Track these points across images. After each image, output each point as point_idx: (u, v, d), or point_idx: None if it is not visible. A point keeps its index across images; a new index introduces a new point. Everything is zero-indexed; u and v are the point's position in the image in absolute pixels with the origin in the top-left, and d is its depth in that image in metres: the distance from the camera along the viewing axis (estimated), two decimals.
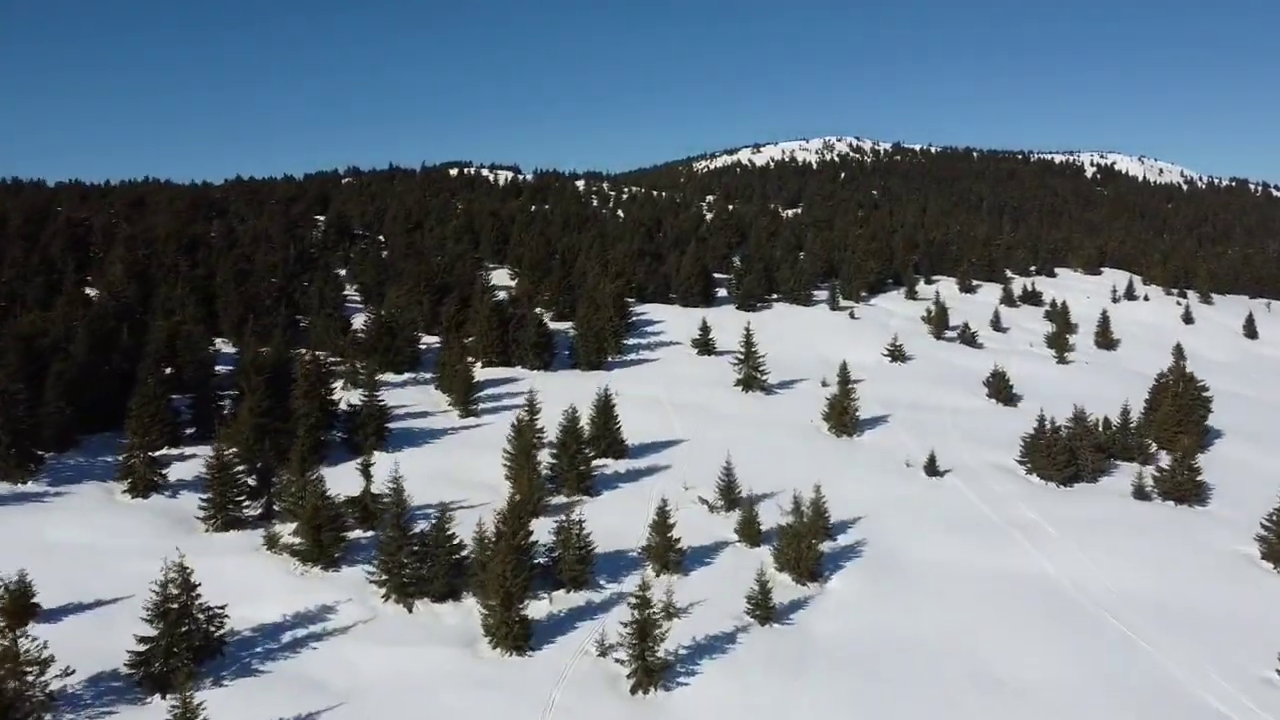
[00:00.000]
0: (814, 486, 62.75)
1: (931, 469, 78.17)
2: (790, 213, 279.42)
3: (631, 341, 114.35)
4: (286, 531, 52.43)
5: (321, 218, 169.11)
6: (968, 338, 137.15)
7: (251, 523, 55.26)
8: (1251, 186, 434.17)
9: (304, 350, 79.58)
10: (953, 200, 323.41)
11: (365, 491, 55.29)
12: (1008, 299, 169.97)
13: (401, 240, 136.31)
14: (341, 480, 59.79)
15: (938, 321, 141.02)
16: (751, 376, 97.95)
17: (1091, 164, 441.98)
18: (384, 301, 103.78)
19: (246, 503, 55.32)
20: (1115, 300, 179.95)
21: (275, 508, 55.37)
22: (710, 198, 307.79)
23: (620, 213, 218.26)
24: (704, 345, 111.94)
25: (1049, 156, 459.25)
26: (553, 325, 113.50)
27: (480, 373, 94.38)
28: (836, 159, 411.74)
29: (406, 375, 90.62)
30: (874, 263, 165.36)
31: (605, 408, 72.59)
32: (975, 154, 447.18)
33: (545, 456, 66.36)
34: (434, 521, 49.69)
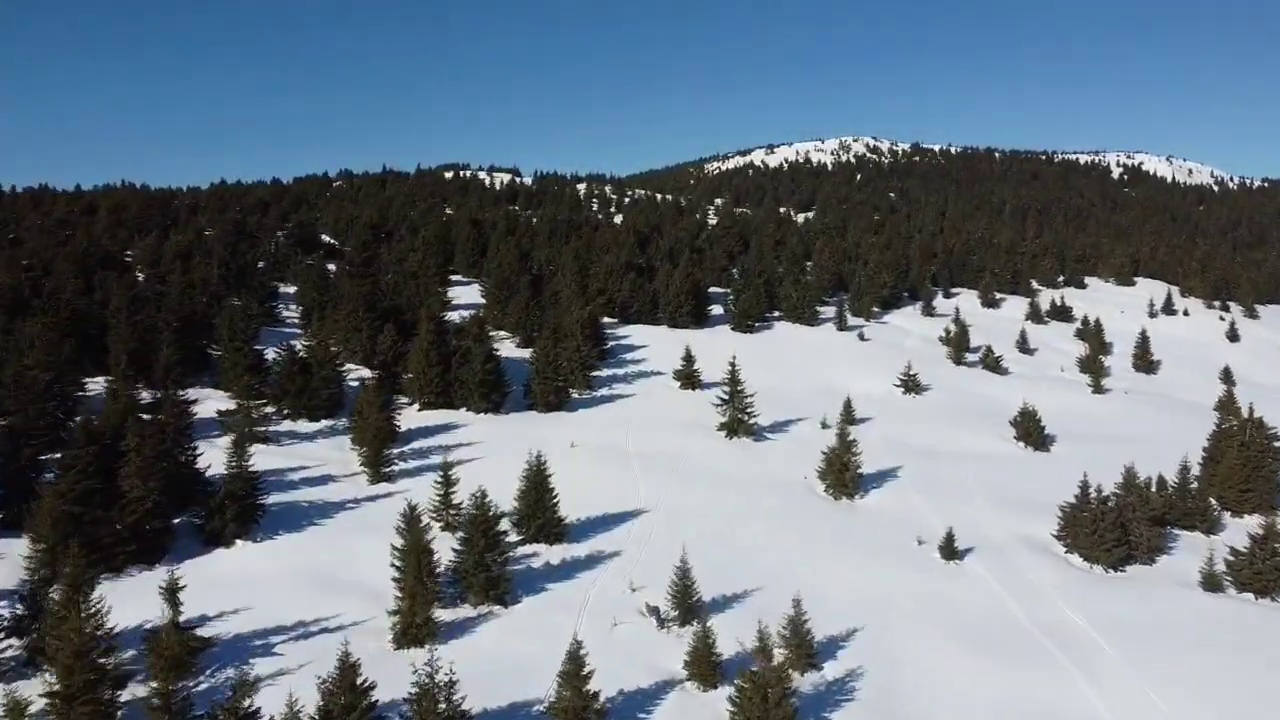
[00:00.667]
0: (793, 600, 46.97)
1: (949, 549, 61.97)
2: (802, 217, 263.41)
3: (605, 373, 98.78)
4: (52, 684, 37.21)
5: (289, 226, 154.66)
6: (991, 362, 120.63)
7: (13, 670, 40.10)
8: None
9: (185, 395, 64.59)
10: (973, 203, 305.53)
11: (169, 628, 39.79)
12: (1035, 315, 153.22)
13: (359, 254, 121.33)
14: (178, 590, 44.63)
15: (957, 343, 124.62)
16: (737, 420, 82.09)
17: (1118, 164, 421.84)
18: (312, 329, 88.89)
19: (6, 642, 40.15)
20: (1152, 315, 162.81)
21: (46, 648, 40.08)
22: (719, 201, 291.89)
23: (619, 218, 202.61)
24: (687, 378, 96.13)
25: (1073, 156, 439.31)
26: (519, 354, 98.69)
27: (415, 417, 79.13)
28: (853, 160, 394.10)
29: (324, 424, 75.24)
30: (888, 275, 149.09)
31: (538, 480, 56.89)
32: (997, 154, 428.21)
33: (451, 550, 50.84)
34: (232, 689, 34.32)
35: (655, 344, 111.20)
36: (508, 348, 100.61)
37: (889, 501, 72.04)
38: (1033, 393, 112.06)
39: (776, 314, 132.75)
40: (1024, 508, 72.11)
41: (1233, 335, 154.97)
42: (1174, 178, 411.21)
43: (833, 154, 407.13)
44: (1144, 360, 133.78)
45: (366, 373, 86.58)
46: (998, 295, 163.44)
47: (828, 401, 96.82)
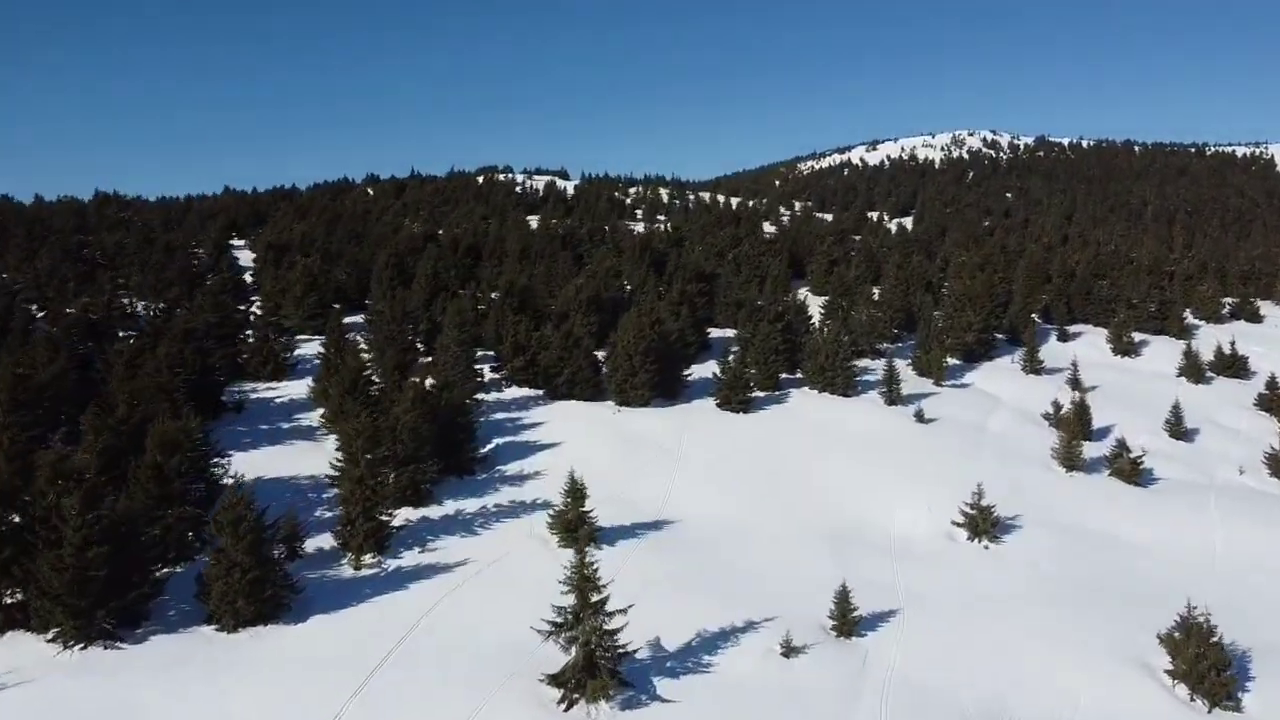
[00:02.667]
0: None
1: None
2: (896, 224, 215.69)
3: (446, 509, 57.44)
4: None
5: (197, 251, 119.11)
6: (1124, 467, 73.46)
7: None
8: None
9: None
10: (1107, 205, 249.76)
11: None
12: (1192, 368, 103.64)
13: (173, 290, 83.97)
14: None
15: (1073, 427, 77.94)
16: (586, 662, 39.49)
17: None
18: None
19: None
20: None
21: None
22: (799, 204, 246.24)
23: (640, 228, 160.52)
24: (567, 528, 53.64)
25: (1229, 149, 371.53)
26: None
27: None
28: (965, 156, 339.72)
29: None
30: (974, 312, 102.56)
31: None
32: (1136, 147, 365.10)
33: None
34: None
35: (576, 440, 69.32)
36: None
37: None
38: (1197, 524, 65.82)
39: (798, 374, 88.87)
40: None
41: None
42: None
43: (943, 150, 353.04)
44: None
45: None
46: (1137, 336, 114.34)
47: (830, 561, 54.26)
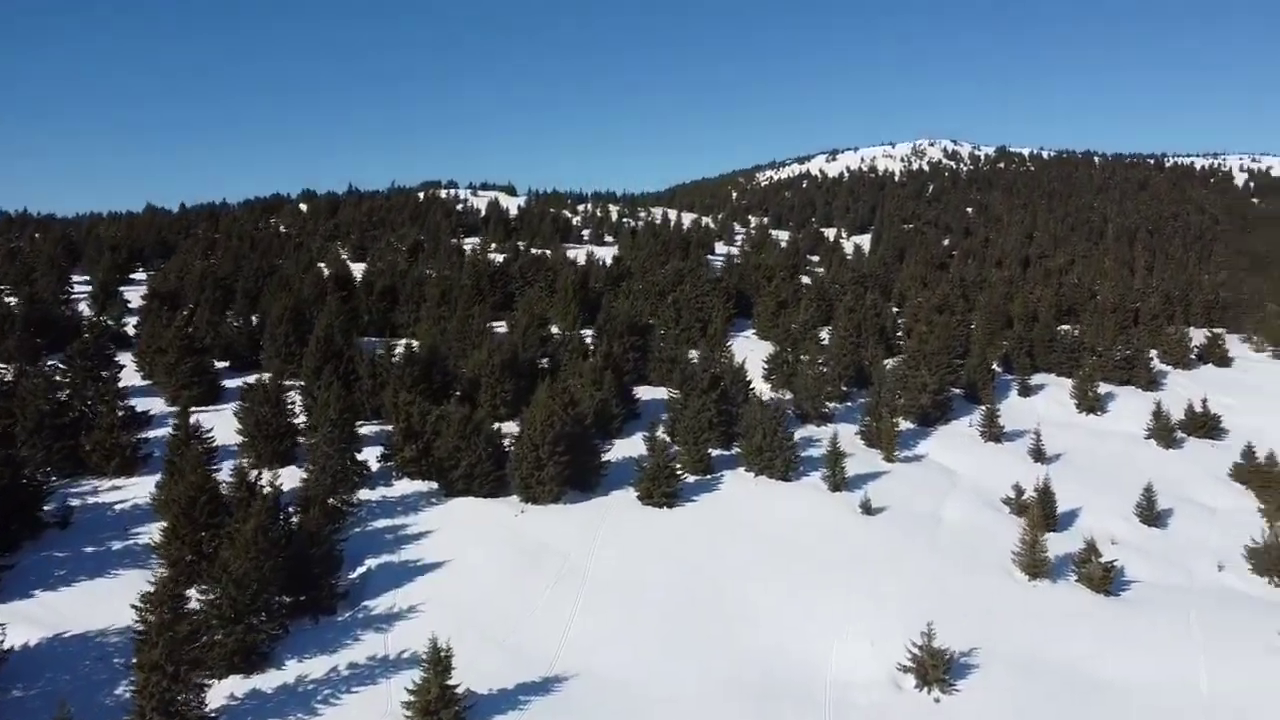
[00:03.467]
0: None
1: None
2: (853, 243, 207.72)
3: (283, 678, 46.52)
4: None
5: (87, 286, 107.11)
6: (1093, 572, 64.51)
7: None
8: None
9: None
10: (1068, 223, 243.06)
11: None
12: (1161, 431, 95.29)
13: None
14: None
15: (1037, 518, 68.72)
16: None
17: (1242, 169, 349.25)
18: None
19: None
20: None
21: None
22: (755, 220, 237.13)
23: (610, 252, 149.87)
24: (428, 712, 43.48)
25: (1187, 160, 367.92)
26: None
27: None
28: (926, 167, 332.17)
29: None
30: (928, 372, 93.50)
31: None
32: (1097, 158, 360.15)
33: None
34: None
35: (467, 555, 59.01)
36: None
37: None
38: (1178, 649, 57.14)
39: (735, 449, 79.14)
40: None
41: None
42: None
43: (903, 160, 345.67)
44: None
45: None
46: (1103, 389, 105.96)
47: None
